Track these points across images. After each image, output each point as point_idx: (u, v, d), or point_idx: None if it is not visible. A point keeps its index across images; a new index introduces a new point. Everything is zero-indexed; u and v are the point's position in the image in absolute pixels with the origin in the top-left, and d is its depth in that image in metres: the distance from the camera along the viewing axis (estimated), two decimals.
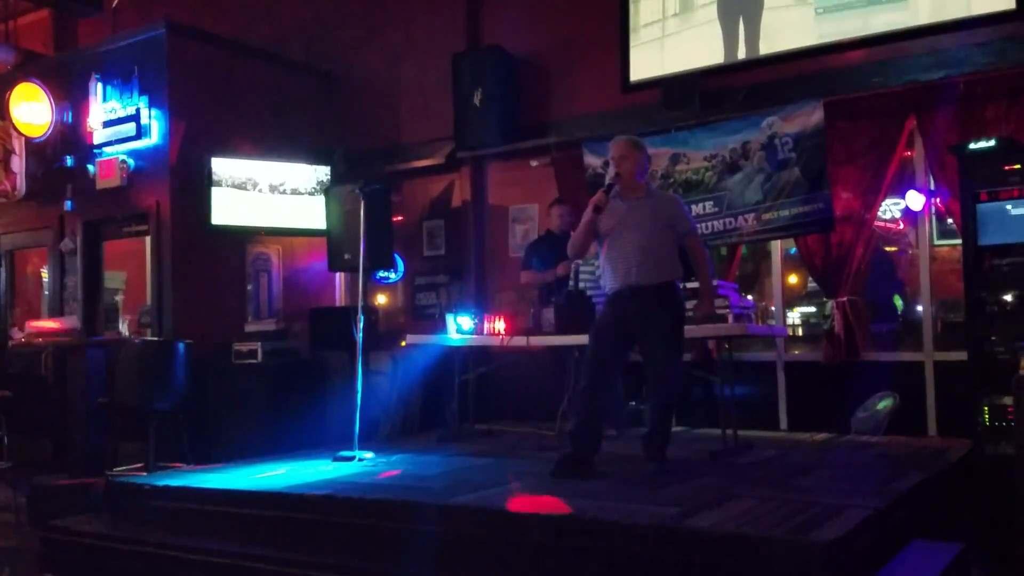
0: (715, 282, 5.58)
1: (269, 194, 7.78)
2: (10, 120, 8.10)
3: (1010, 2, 5.53)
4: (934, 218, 6.18)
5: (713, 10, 6.67)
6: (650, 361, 4.64)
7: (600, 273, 4.88)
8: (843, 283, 6.18)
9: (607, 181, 4.67)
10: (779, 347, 6.55)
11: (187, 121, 7.52)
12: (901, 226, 6.69)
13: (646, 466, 4.60)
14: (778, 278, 6.76)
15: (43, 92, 8.09)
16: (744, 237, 6.37)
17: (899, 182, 6.23)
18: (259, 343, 7.17)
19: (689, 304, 5.07)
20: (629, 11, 6.97)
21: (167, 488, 4.83)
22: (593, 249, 4.86)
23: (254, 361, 7.10)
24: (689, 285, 5.28)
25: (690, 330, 5.31)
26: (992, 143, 4.91)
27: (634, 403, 6.28)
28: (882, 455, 5.14)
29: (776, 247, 6.70)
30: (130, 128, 7.57)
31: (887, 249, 7.07)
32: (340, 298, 8.68)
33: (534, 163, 7.55)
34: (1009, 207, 4.74)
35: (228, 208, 7.56)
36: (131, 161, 7.64)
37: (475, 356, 6.60)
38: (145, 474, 5.83)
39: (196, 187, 7.46)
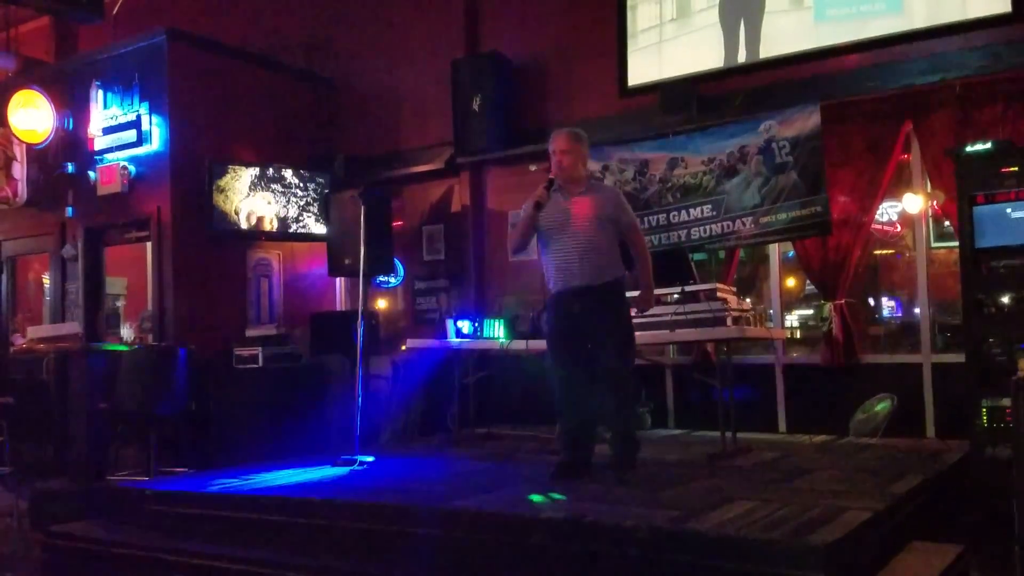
0: (714, 285, 5.62)
1: (269, 200, 7.81)
2: (9, 127, 8.13)
3: (1006, 5, 5.56)
4: (931, 221, 6.21)
5: (709, 15, 6.69)
6: (600, 363, 4.49)
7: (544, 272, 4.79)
8: (841, 286, 6.20)
9: (550, 177, 4.61)
10: (778, 350, 6.57)
11: (187, 127, 7.55)
12: (898, 229, 6.71)
13: (610, 474, 4.46)
14: (776, 281, 6.78)
15: (43, 99, 8.12)
16: (742, 240, 6.39)
17: (896, 185, 6.26)
18: (260, 348, 7.19)
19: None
20: (627, 16, 7.00)
21: (168, 493, 4.85)
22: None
23: (255, 366, 7.12)
24: (686, 289, 5.31)
25: (689, 334, 5.35)
26: (988, 146, 4.94)
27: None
28: (881, 457, 5.15)
29: (774, 250, 6.72)
30: (131, 135, 7.61)
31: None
32: (340, 303, 8.70)
33: (533, 168, 7.58)
34: (1009, 210, 4.75)
35: (228, 214, 7.59)
36: (132, 167, 7.67)
37: (475, 360, 6.62)
38: (146, 479, 5.85)
39: (197, 193, 7.48)
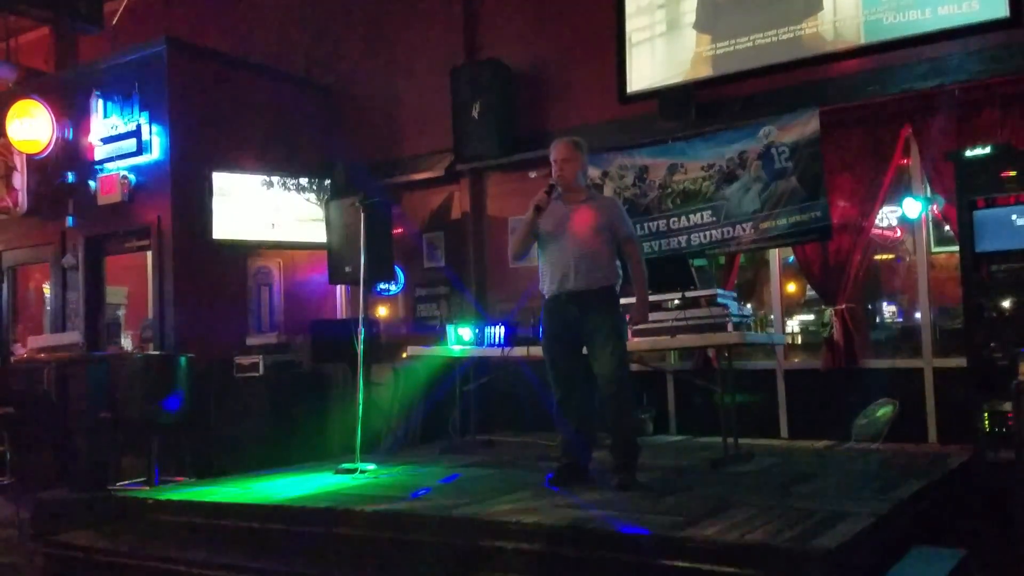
0: (714, 291, 5.61)
1: (270, 208, 7.82)
2: (6, 138, 8.15)
3: (1004, 10, 5.56)
4: (931, 225, 6.20)
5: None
6: (596, 368, 4.52)
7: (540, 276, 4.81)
8: (841, 291, 6.20)
9: (550, 183, 4.67)
10: (779, 355, 6.56)
11: (187, 136, 7.56)
12: (898, 233, 6.71)
13: (611, 479, 4.46)
14: (777, 286, 6.77)
15: (42, 109, 8.14)
16: (742, 246, 6.39)
17: (896, 190, 6.26)
18: (260, 356, 7.18)
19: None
20: (626, 23, 7.02)
21: (169, 502, 4.85)
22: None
23: (256, 374, 7.11)
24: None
25: (690, 339, 5.34)
26: (988, 150, 4.94)
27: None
28: (882, 462, 5.15)
29: (774, 255, 6.72)
30: (131, 144, 7.61)
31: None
32: (341, 310, 8.70)
33: (533, 174, 7.57)
34: (1014, 217, 4.74)
35: (229, 222, 7.59)
36: (132, 177, 7.68)
37: (476, 367, 6.61)
38: (148, 488, 5.85)
39: (197, 202, 7.49)
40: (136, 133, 7.58)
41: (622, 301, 4.67)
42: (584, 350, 4.62)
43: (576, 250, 4.53)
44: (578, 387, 4.61)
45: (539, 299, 6.79)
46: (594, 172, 6.78)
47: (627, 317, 4.70)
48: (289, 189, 7.93)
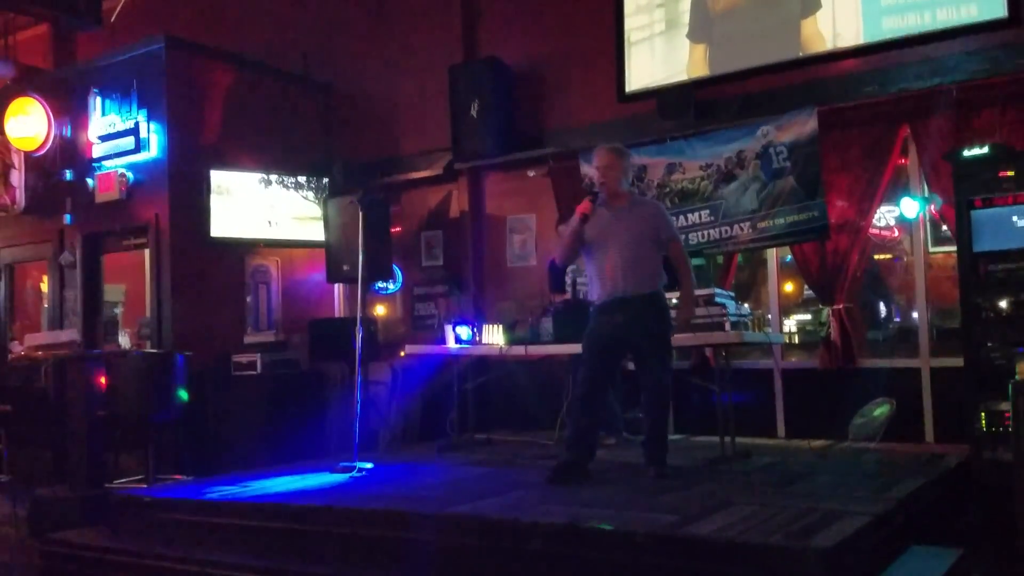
0: (712, 290, 5.62)
1: (268, 206, 7.82)
2: (4, 135, 8.14)
3: (1001, 10, 5.57)
4: (929, 225, 6.21)
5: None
6: (643, 369, 4.74)
7: (587, 281, 4.96)
8: (839, 290, 6.21)
9: (594, 190, 4.78)
10: (776, 354, 6.56)
11: (186, 134, 7.55)
12: (896, 233, 6.72)
13: (647, 472, 4.68)
14: (774, 286, 6.78)
15: (38, 106, 8.12)
16: (740, 245, 6.40)
17: (894, 189, 6.27)
18: (258, 354, 7.18)
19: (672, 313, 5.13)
20: (624, 22, 7.02)
21: (167, 500, 4.85)
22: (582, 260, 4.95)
23: (253, 372, 7.11)
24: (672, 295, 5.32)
25: (687, 338, 5.34)
26: (986, 150, 4.94)
27: (628, 414, 6.28)
28: (880, 461, 5.15)
29: (772, 255, 6.73)
30: (129, 142, 7.60)
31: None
32: (339, 309, 8.70)
33: (531, 173, 7.59)
34: (1013, 217, 4.75)
35: (227, 220, 7.59)
36: (130, 174, 7.67)
37: (474, 365, 6.61)
38: (145, 486, 5.84)
39: (195, 199, 7.49)
40: (134, 131, 7.57)
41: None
42: (628, 354, 4.83)
43: (623, 258, 4.65)
44: (602, 388, 4.77)
45: (537, 299, 6.86)
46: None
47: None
48: (287, 187, 7.94)
